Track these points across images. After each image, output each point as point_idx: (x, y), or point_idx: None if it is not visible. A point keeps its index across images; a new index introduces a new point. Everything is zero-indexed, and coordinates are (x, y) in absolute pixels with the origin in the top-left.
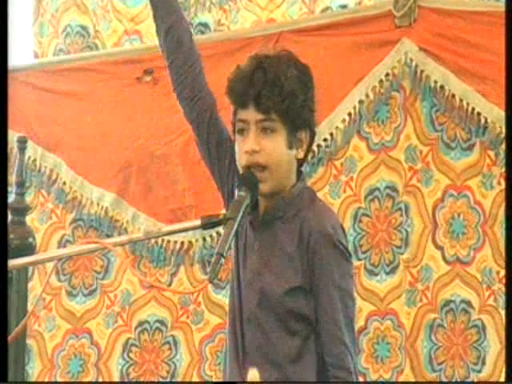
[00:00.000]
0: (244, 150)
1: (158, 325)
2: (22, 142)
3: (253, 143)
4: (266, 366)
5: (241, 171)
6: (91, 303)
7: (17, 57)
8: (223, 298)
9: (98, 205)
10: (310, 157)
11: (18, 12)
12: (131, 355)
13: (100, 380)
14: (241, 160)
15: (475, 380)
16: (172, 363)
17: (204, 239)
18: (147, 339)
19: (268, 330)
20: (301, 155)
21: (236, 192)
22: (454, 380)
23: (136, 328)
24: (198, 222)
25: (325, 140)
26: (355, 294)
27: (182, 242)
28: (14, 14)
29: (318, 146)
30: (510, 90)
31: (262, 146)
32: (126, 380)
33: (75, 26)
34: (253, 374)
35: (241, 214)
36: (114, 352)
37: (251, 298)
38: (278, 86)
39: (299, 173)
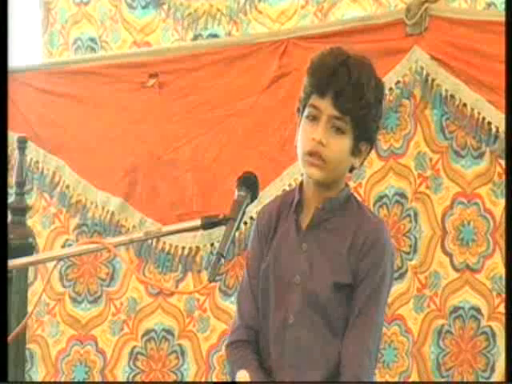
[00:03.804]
0: (312, 136)
1: (164, 334)
2: (22, 142)
3: (323, 135)
4: (310, 367)
5: (300, 156)
6: (96, 310)
7: (17, 58)
8: (230, 304)
9: (103, 209)
10: None
11: (18, 13)
12: (138, 364)
13: None
14: (304, 145)
15: None
16: (179, 372)
17: (212, 245)
18: (154, 348)
19: (316, 330)
20: (356, 165)
21: (236, 192)
22: None
23: (142, 336)
24: (198, 222)
25: None
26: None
27: (190, 248)
28: (14, 15)
29: None
30: (510, 93)
31: (329, 142)
32: None
33: (86, 40)
34: (241, 373)
35: (241, 213)
36: (120, 360)
37: (298, 299)
38: (360, 93)
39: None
